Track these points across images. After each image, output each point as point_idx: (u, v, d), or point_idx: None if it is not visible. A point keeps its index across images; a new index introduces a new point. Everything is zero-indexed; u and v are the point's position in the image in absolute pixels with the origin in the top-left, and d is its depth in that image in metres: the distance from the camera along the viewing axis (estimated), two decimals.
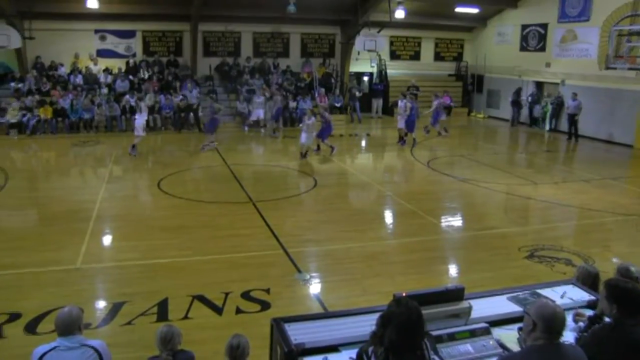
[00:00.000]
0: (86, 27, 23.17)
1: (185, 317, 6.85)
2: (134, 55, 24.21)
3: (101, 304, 7.35)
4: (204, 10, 22.54)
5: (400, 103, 20.12)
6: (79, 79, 22.52)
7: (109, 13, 22.07)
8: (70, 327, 4.10)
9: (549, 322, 3.32)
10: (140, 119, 16.68)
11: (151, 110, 21.32)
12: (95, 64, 23.43)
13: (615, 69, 18.96)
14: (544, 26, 24.14)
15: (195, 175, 14.96)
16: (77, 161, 17.17)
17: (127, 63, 23.83)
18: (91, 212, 11.10)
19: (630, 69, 18.71)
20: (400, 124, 19.51)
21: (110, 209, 11.57)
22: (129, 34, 24.11)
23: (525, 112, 24.94)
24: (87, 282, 8.02)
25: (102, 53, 23.86)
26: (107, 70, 23.24)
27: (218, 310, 7.09)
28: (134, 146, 16.58)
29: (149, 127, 20.97)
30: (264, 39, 25.99)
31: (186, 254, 8.98)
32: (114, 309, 7.02)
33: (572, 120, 21.05)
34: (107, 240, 10.03)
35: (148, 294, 7.40)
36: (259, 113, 21.77)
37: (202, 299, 7.33)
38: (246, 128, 21.84)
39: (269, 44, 26.16)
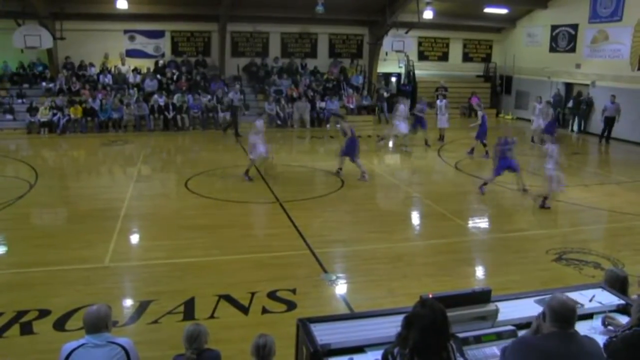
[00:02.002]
0: (116, 28, 23.48)
1: (212, 317, 6.90)
2: (162, 55, 24.48)
3: (128, 302, 7.44)
4: (232, 11, 22.72)
5: (438, 102, 20.47)
6: (109, 79, 22.85)
7: (138, 13, 22.35)
8: (97, 324, 4.13)
9: (558, 310, 3.45)
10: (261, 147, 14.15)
11: (179, 109, 21.54)
12: (124, 64, 23.72)
13: None
14: (575, 27, 23.76)
15: (222, 174, 15.05)
16: (106, 160, 17.40)
17: (156, 63, 24.12)
18: (119, 210, 11.24)
19: None
20: (442, 123, 19.96)
21: (139, 208, 11.72)
22: (158, 34, 24.38)
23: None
24: (115, 281, 8.12)
25: (131, 53, 24.17)
26: (136, 70, 23.52)
27: (244, 310, 7.13)
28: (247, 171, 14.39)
29: (177, 127, 21.22)
30: (292, 40, 26.08)
31: (213, 253, 9.07)
32: (141, 308, 7.10)
33: (609, 122, 20.71)
34: (134, 238, 10.16)
35: (174, 293, 7.47)
36: (401, 127, 18.73)
37: (228, 298, 7.38)
38: (382, 142, 19.56)
39: (296, 44, 26.24)
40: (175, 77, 23.45)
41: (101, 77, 22.86)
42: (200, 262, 8.70)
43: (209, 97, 22.36)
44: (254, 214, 11.33)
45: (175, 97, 21.98)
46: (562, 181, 12.02)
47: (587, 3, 22.77)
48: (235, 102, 21.54)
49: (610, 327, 4.44)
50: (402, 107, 18.69)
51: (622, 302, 4.90)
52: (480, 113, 18.17)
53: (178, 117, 21.45)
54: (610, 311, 4.78)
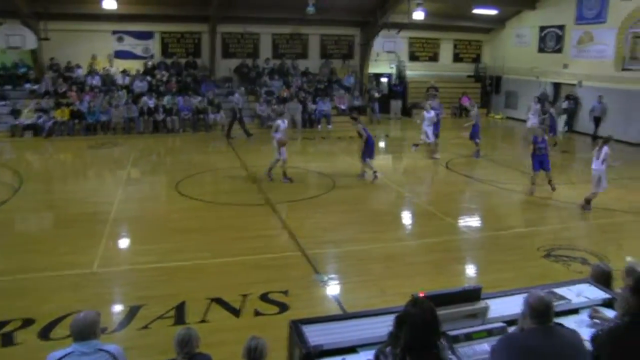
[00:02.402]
0: (103, 28, 23.24)
1: (203, 321, 6.89)
2: (152, 56, 24.34)
3: (118, 307, 7.39)
4: (223, 12, 22.67)
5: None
6: (96, 81, 22.64)
7: (127, 14, 22.11)
8: (85, 332, 4.07)
9: (535, 307, 3.58)
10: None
11: (169, 112, 21.48)
12: (112, 66, 23.52)
13: (630, 70, 18.91)
14: (562, 28, 24.04)
15: (213, 177, 15.03)
16: (94, 163, 17.23)
17: (145, 64, 23.97)
18: (108, 214, 11.16)
19: None
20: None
21: (128, 212, 11.63)
22: (147, 35, 24.27)
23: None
24: (104, 286, 8.05)
25: (120, 54, 24.02)
26: (124, 72, 23.35)
27: (236, 313, 7.13)
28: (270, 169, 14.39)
29: (167, 129, 21.15)
30: (283, 41, 26.08)
31: (203, 256, 9.03)
32: (131, 313, 7.05)
33: (598, 122, 20.91)
34: (124, 243, 10.10)
35: (165, 297, 7.43)
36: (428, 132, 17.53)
37: (219, 301, 7.37)
38: (414, 148, 18.23)
39: (288, 45, 26.24)
40: (165, 78, 23.34)
41: (89, 78, 22.65)
42: (190, 265, 8.68)
43: (200, 98, 22.31)
44: (245, 216, 11.30)
45: (165, 99, 21.93)
46: (604, 182, 12.03)
47: (573, 5, 23.08)
48: (240, 104, 21.36)
49: (596, 321, 4.53)
50: (426, 113, 17.51)
51: (607, 296, 5.03)
52: (473, 112, 18.20)
53: (168, 119, 21.38)
54: (597, 305, 4.87)
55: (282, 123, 14.25)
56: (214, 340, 6.00)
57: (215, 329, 6.64)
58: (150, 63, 24.02)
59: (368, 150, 14.33)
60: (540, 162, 13.26)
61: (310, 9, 21.60)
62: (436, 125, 17.70)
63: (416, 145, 17.79)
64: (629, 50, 18.70)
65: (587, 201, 12.17)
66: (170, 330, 6.23)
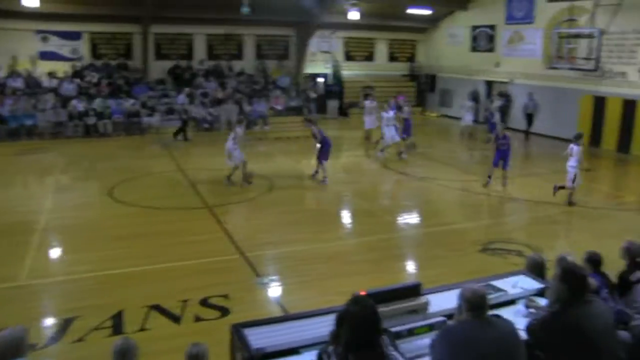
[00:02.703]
0: (25, 27, 21.96)
1: (142, 329, 6.71)
2: (80, 58, 23.38)
3: (49, 321, 7.08)
4: (155, 12, 22.13)
5: (367, 103, 20.00)
6: (19, 83, 21.44)
7: (52, 13, 21.00)
8: (8, 352, 3.79)
9: (470, 300, 3.68)
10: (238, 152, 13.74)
11: (100, 115, 20.90)
12: (36, 67, 22.30)
13: (557, 68, 19.64)
14: (493, 27, 24.72)
15: (148, 181, 14.69)
16: (20, 170, 16.25)
17: (74, 66, 22.93)
18: (37, 224, 10.68)
19: (570, 68, 19.62)
20: (369, 124, 19.61)
21: (59, 220, 11.17)
22: (75, 36, 23.28)
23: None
24: (34, 299, 7.70)
25: (45, 55, 22.86)
26: (51, 74, 22.26)
27: (176, 320, 6.99)
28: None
29: (99, 134, 20.58)
30: (217, 41, 25.73)
31: (141, 263, 8.81)
32: (64, 326, 6.77)
33: (529, 118, 21.54)
34: (55, 252, 9.73)
35: (101, 307, 7.19)
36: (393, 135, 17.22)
37: (159, 308, 7.20)
38: (381, 154, 17.47)
39: (222, 46, 25.93)
40: (95, 81, 22.59)
41: (9, 80, 21.38)
42: (128, 273, 8.46)
43: (133, 101, 21.79)
44: (183, 221, 11.10)
45: (96, 102, 21.26)
46: (579, 180, 12.35)
47: (503, 5, 23.78)
48: (186, 105, 21.03)
49: (532, 310, 4.67)
50: (384, 113, 17.44)
51: (541, 286, 5.21)
52: (406, 109, 18.41)
53: (100, 123, 20.78)
54: (532, 295, 5.03)
55: (239, 128, 14.02)
56: (154, 348, 5.88)
57: (155, 337, 6.50)
58: (79, 65, 23.12)
59: (324, 152, 14.20)
60: (501, 157, 13.73)
61: (245, 10, 21.43)
62: (407, 125, 17.80)
63: (382, 151, 17.44)
64: (555, 49, 19.37)
65: (570, 202, 12.46)
66: (107, 341, 6.05)
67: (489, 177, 13.83)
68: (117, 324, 6.82)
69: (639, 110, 18.27)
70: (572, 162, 12.21)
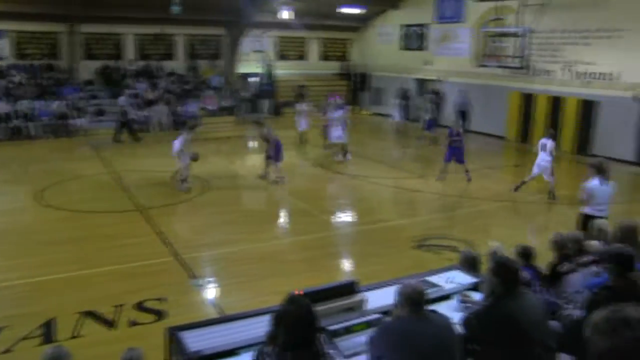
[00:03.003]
0: None
1: (75, 336, 6.54)
2: (3, 58, 22.40)
3: None
4: (82, 11, 21.49)
5: (298, 106, 19.37)
6: None
7: None
8: None
9: (409, 295, 3.73)
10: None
11: (26, 117, 20.20)
12: None
13: (486, 66, 20.19)
14: (423, 26, 25.21)
15: (79, 184, 14.30)
16: None
17: None
18: None
19: (499, 66, 20.20)
20: (302, 126, 19.07)
21: None
22: None
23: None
24: None
25: None
26: None
27: (110, 325, 6.85)
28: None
29: (24, 136, 19.89)
30: (147, 41, 25.24)
31: (73, 268, 8.58)
32: None
33: (463, 115, 21.99)
34: None
35: (31, 316, 6.95)
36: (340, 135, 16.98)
37: (92, 314, 7.03)
38: (349, 157, 16.98)
39: (153, 46, 25.44)
40: (20, 81, 21.81)
41: None
42: (59, 278, 8.22)
43: (61, 102, 21.12)
44: (116, 224, 10.86)
45: (22, 103, 20.54)
46: (553, 173, 12.76)
47: (433, 4, 24.30)
48: (126, 107, 20.60)
49: (466, 305, 4.79)
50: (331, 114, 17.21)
51: (475, 280, 5.34)
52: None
53: (26, 125, 20.09)
54: (466, 290, 5.15)
55: (187, 134, 13.71)
56: (89, 355, 5.76)
57: (89, 343, 6.34)
58: (2, 65, 22.21)
59: (277, 152, 14.11)
60: (452, 154, 14.17)
61: (175, 9, 21.13)
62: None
63: (344, 154, 17.02)
64: (484, 47, 19.91)
65: (551, 194, 12.83)
66: (37, 351, 5.84)
67: (442, 172, 14.31)
68: (47, 332, 6.61)
69: (565, 107, 18.97)
70: (547, 157, 12.61)
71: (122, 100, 20.83)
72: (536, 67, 19.99)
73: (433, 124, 20.45)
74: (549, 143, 12.73)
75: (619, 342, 2.14)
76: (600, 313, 2.24)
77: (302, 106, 19.16)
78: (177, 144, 13.31)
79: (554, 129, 18.87)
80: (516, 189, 13.13)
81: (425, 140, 20.17)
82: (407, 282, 3.92)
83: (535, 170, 12.85)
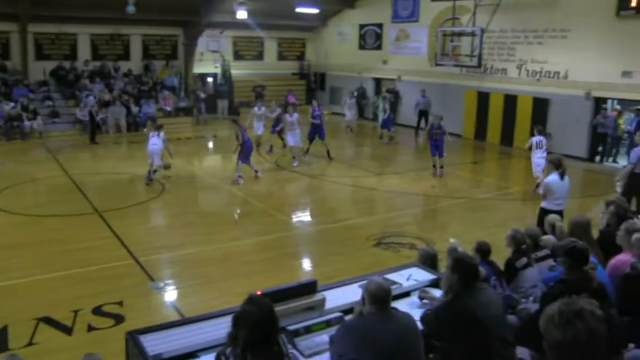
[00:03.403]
0: None
1: (30, 344, 6.38)
2: None
3: None
4: (33, 10, 20.95)
5: (256, 110, 18.09)
6: None
7: None
8: None
9: (374, 293, 3.72)
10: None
11: None
12: None
13: (443, 65, 20.49)
14: (380, 26, 25.44)
15: (33, 188, 14.02)
16: None
17: None
18: None
19: (455, 65, 20.42)
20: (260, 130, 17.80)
21: None
22: None
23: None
24: None
25: None
26: None
27: (68, 331, 6.71)
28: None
29: None
30: (102, 41, 24.77)
31: (28, 274, 8.37)
32: None
33: (422, 115, 22.17)
34: None
35: None
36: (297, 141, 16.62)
37: (48, 320, 6.87)
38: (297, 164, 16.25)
39: (108, 46, 24.98)
40: None
41: None
42: (13, 285, 8.02)
43: (12, 104, 20.59)
44: (72, 227, 10.66)
45: None
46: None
47: (389, 4, 24.53)
48: (96, 107, 20.35)
49: (425, 301, 4.85)
50: (288, 117, 16.69)
51: (434, 277, 5.41)
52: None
53: None
54: (425, 286, 5.22)
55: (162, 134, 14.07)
56: None
57: (45, 350, 6.22)
58: None
59: (244, 152, 14.02)
60: (435, 147, 14.76)
61: (131, 9, 20.86)
62: (320, 128, 17.17)
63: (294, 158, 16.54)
64: (440, 47, 20.17)
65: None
66: None
67: (434, 166, 14.87)
68: (1, 341, 6.43)
69: (519, 105, 19.36)
70: (543, 153, 12.87)
71: (91, 100, 20.54)
72: (491, 66, 20.37)
73: (390, 122, 20.64)
74: (544, 140, 13.17)
75: (572, 333, 2.18)
76: (554, 306, 2.29)
77: (260, 109, 18.23)
78: (158, 142, 13.96)
79: (509, 126, 19.38)
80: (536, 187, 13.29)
81: (384, 138, 20.38)
82: (373, 279, 3.92)
83: (539, 168, 13.05)
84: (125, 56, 25.39)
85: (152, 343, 4.02)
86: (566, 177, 8.56)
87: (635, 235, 5.35)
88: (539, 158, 13.02)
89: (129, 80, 24.41)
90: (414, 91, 22.50)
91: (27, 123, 20.29)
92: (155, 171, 13.96)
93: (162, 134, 14.26)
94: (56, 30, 23.44)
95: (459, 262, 4.18)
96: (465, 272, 4.10)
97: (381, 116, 21.33)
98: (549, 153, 12.47)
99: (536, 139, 13.23)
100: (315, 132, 17.18)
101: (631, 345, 4.20)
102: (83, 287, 7.92)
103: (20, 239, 9.96)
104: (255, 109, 17.65)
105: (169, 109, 23.72)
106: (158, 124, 15.74)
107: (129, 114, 22.14)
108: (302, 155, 16.83)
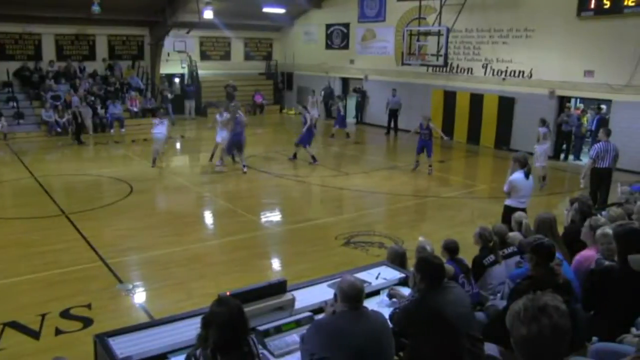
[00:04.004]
0: None
1: None
2: None
3: None
4: None
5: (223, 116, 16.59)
6: None
7: None
8: None
9: (347, 291, 3.79)
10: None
11: None
12: None
13: (409, 64, 20.66)
14: (347, 25, 25.56)
15: None
16: None
17: None
18: None
19: (421, 65, 20.58)
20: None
21: None
22: None
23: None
24: None
25: None
26: None
27: (35, 335, 6.60)
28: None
29: None
30: (67, 42, 24.36)
31: None
32: None
33: (394, 115, 22.33)
34: None
35: None
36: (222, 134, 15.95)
37: (14, 325, 6.76)
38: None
39: (73, 46, 24.59)
40: None
41: None
42: None
43: None
44: (37, 230, 10.49)
45: None
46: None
47: (356, 4, 24.65)
48: (80, 107, 20.32)
49: (394, 299, 4.92)
50: (218, 116, 16.32)
51: (403, 275, 5.48)
52: (308, 115, 16.92)
53: None
54: (394, 285, 5.29)
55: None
56: None
57: (12, 355, 6.13)
58: None
59: (229, 143, 15.21)
60: (422, 146, 15.22)
61: (96, 8, 20.58)
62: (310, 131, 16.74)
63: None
64: (407, 46, 20.31)
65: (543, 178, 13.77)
66: None
67: (416, 162, 15.50)
68: None
69: (485, 104, 19.64)
70: (545, 145, 13.82)
71: (75, 100, 20.34)
72: (457, 66, 20.61)
73: (343, 120, 21.07)
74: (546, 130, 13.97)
75: (537, 329, 2.24)
76: (519, 302, 2.35)
77: (222, 116, 16.35)
78: (162, 130, 15.47)
79: (475, 125, 19.64)
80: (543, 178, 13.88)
81: (334, 137, 20.49)
82: (345, 277, 3.96)
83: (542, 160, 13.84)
84: (91, 56, 25.04)
85: (121, 346, 4.01)
86: (531, 176, 8.73)
87: (599, 231, 5.49)
88: (541, 149, 13.90)
89: (95, 81, 24.09)
90: (382, 90, 22.62)
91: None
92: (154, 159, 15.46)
93: (166, 122, 15.66)
94: (20, 30, 22.99)
95: (423, 262, 4.27)
96: (429, 272, 4.19)
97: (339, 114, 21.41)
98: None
99: (543, 130, 13.91)
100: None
101: (595, 338, 4.33)
102: (50, 290, 7.82)
103: None
104: (217, 116, 16.95)
105: (135, 109, 23.49)
106: (163, 113, 17.18)
107: (95, 114, 21.86)
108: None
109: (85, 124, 20.67)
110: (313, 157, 16.25)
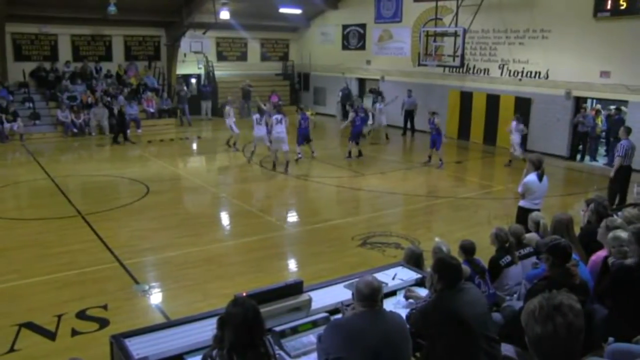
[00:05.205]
0: None
1: (12, 350, 6.28)
2: None
3: None
4: (10, 10, 20.64)
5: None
6: None
7: None
8: None
9: (364, 291, 3.75)
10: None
11: None
12: None
13: (426, 65, 20.57)
14: (363, 26, 25.49)
15: (14, 191, 13.87)
16: None
17: None
18: None
19: (438, 65, 20.53)
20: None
21: None
22: None
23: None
24: None
25: None
26: None
27: (51, 336, 6.60)
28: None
29: None
30: (84, 42, 24.50)
31: (8, 279, 8.25)
32: None
33: (409, 115, 22.23)
34: None
35: None
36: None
37: (31, 326, 6.76)
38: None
39: (89, 47, 24.72)
40: None
41: None
42: None
43: None
44: (54, 231, 10.54)
45: None
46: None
47: (372, 4, 24.57)
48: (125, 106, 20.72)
49: (410, 300, 4.87)
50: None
51: (419, 276, 5.44)
52: (351, 114, 17.72)
53: None
54: (411, 285, 5.24)
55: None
56: None
57: (28, 356, 6.13)
58: None
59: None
60: (432, 141, 16.04)
61: (112, 9, 20.70)
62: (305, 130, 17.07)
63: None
64: (423, 47, 20.23)
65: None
66: None
67: (429, 157, 16.35)
68: None
69: (502, 105, 19.49)
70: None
71: (121, 99, 20.73)
72: (474, 66, 20.49)
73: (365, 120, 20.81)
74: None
75: (552, 327, 2.23)
76: (534, 301, 2.34)
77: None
78: (262, 129, 15.94)
79: (492, 125, 19.57)
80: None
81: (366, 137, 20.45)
82: (363, 277, 3.93)
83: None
84: (107, 57, 25.17)
85: (137, 346, 4.00)
86: (544, 178, 8.61)
87: (610, 234, 5.41)
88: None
89: (112, 81, 24.21)
90: (398, 91, 22.51)
91: (6, 125, 20.07)
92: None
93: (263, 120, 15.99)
94: (36, 31, 23.15)
95: (441, 263, 4.23)
96: (446, 272, 4.14)
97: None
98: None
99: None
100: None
101: (611, 339, 4.26)
102: (66, 291, 7.83)
103: (1, 244, 9.82)
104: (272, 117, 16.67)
105: (152, 110, 23.58)
106: (261, 109, 16.79)
107: (111, 115, 21.95)
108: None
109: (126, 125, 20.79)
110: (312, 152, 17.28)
